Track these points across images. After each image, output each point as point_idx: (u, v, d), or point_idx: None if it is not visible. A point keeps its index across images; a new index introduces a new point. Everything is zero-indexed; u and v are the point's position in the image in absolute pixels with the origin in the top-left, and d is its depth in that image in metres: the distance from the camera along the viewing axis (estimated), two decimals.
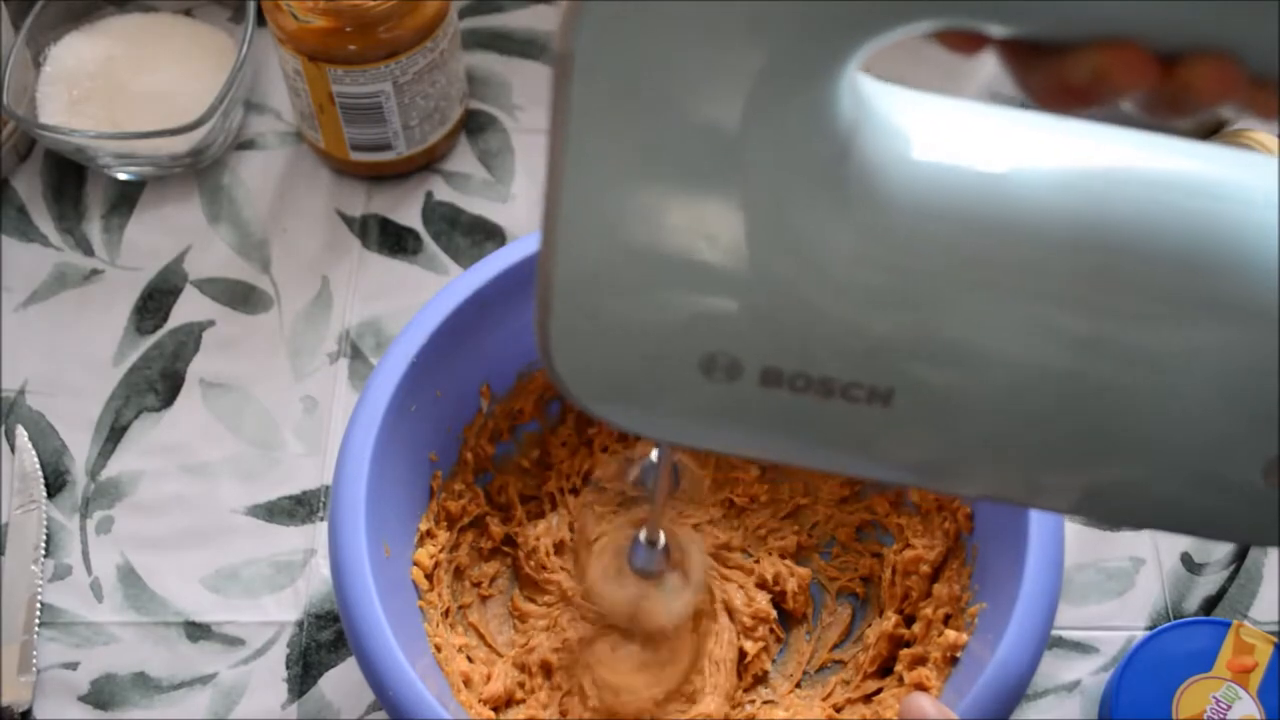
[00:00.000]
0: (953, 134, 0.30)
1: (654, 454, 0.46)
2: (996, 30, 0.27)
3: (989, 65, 0.73)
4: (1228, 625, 0.53)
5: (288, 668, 0.56)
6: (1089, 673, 0.56)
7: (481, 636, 0.55)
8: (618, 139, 0.28)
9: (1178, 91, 0.27)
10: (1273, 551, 0.58)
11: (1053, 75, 0.27)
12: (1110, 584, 0.58)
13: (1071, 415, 0.30)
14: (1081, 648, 0.56)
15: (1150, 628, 0.57)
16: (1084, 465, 0.32)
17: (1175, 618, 0.57)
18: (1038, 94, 0.28)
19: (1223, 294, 0.29)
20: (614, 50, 0.27)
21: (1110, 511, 0.35)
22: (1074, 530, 0.59)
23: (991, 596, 0.48)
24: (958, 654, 0.48)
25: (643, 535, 0.47)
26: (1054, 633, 0.56)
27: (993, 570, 0.49)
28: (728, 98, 0.27)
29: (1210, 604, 0.57)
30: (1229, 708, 0.52)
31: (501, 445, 0.57)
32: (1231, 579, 0.58)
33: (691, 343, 0.30)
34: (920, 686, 0.49)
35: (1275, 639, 0.53)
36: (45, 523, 0.59)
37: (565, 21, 0.26)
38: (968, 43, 0.28)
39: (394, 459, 0.50)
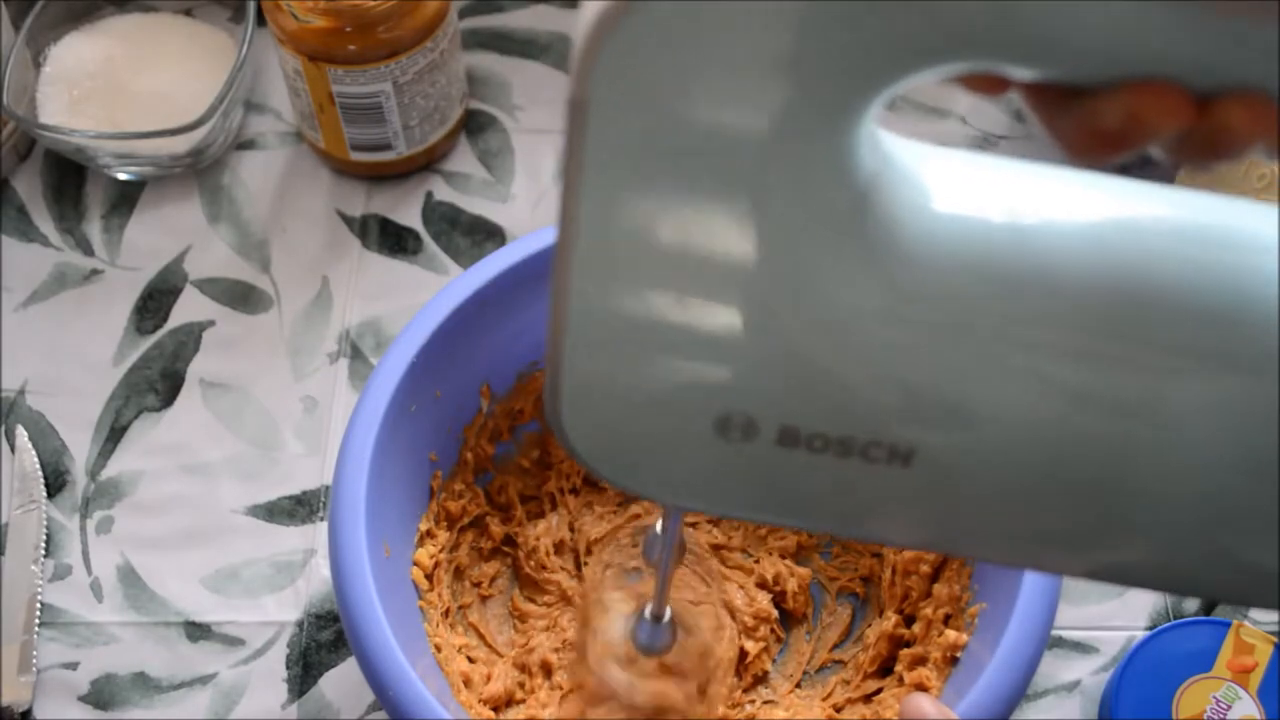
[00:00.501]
0: (973, 187, 0.29)
1: (658, 525, 0.46)
2: (1022, 74, 0.26)
3: None
4: (1228, 625, 0.53)
5: (288, 668, 0.56)
6: (1089, 673, 0.56)
7: (481, 636, 0.55)
8: (632, 193, 0.27)
9: (1212, 133, 0.26)
10: None
11: (1083, 119, 0.26)
12: (1110, 584, 0.58)
13: (1100, 475, 0.30)
14: (1081, 648, 0.56)
15: (1150, 628, 0.57)
16: (1113, 526, 0.31)
17: (1175, 618, 0.57)
18: (1067, 139, 0.27)
19: (1243, 347, 0.28)
20: (630, 98, 0.25)
21: (1134, 577, 0.34)
22: None
23: (991, 596, 0.48)
24: (958, 654, 0.48)
25: (647, 611, 0.45)
26: (1054, 633, 0.56)
27: (993, 570, 0.49)
28: (746, 150, 0.26)
29: (1210, 604, 0.57)
30: (1229, 708, 0.52)
31: (501, 445, 0.57)
32: None
33: (707, 403, 0.29)
34: (920, 686, 0.49)
35: (1275, 639, 0.53)
36: (45, 523, 0.59)
37: (580, 66, 0.25)
38: (992, 85, 0.27)
39: (394, 459, 0.50)
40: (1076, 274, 0.28)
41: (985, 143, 0.69)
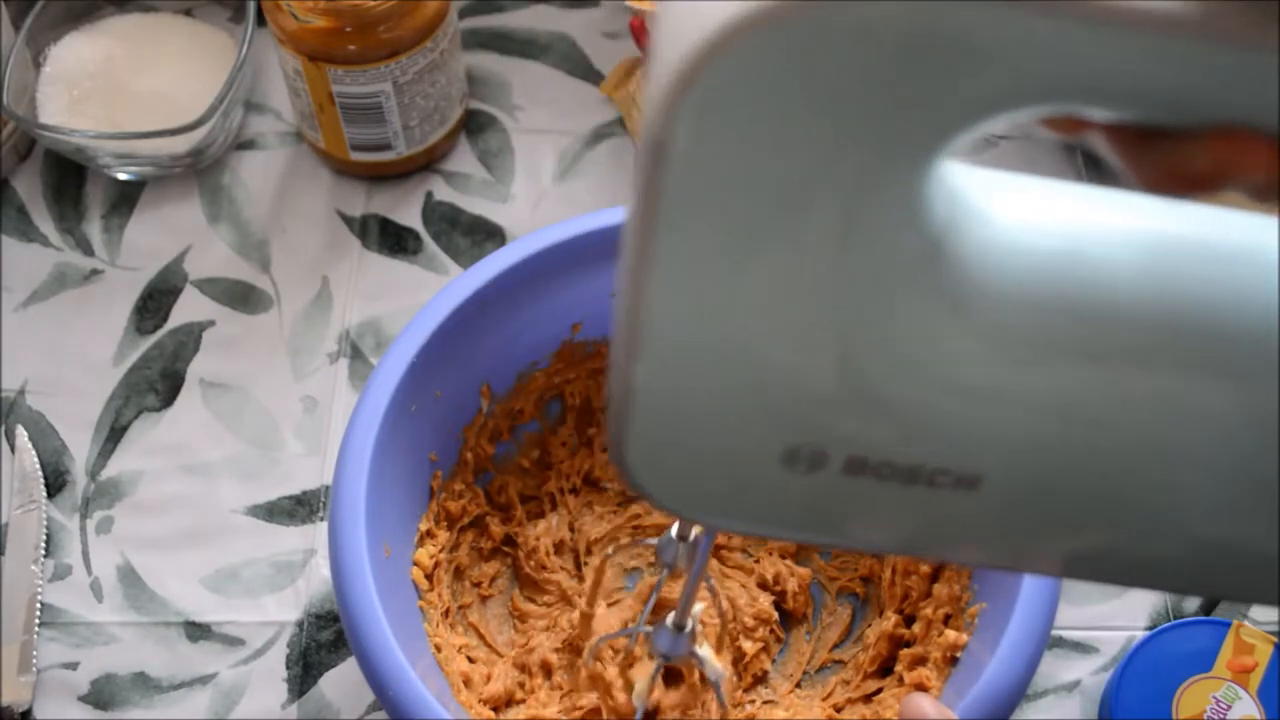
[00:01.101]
0: (1036, 216, 0.30)
1: (673, 529, 0.46)
2: (1101, 116, 0.26)
3: None
4: (1228, 625, 0.53)
5: (288, 668, 0.56)
6: (1089, 673, 0.56)
7: (481, 636, 0.55)
8: (712, 235, 0.27)
9: None
10: None
11: (1166, 161, 0.26)
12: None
13: (1161, 484, 0.30)
14: (1081, 648, 0.56)
15: (1150, 628, 0.57)
16: (1188, 536, 0.32)
17: (1175, 618, 0.57)
18: (1145, 177, 0.27)
19: None
20: (715, 144, 0.25)
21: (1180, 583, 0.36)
22: None
23: (991, 596, 0.48)
24: (958, 654, 0.48)
25: (669, 620, 0.46)
26: (1054, 633, 0.56)
27: (993, 570, 0.49)
28: (827, 194, 0.26)
29: (1210, 604, 0.57)
30: (1229, 708, 0.52)
31: (501, 445, 0.57)
32: None
33: (777, 437, 0.29)
34: (920, 686, 0.49)
35: (1275, 639, 0.53)
36: (45, 523, 0.59)
37: (665, 106, 0.24)
38: (1072, 126, 0.27)
39: (394, 459, 0.50)
40: (1140, 300, 0.29)
41: (986, 143, 0.69)
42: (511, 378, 0.56)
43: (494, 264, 0.52)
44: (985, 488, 0.30)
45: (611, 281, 0.56)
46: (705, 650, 0.50)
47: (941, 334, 0.28)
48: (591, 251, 0.53)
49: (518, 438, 0.58)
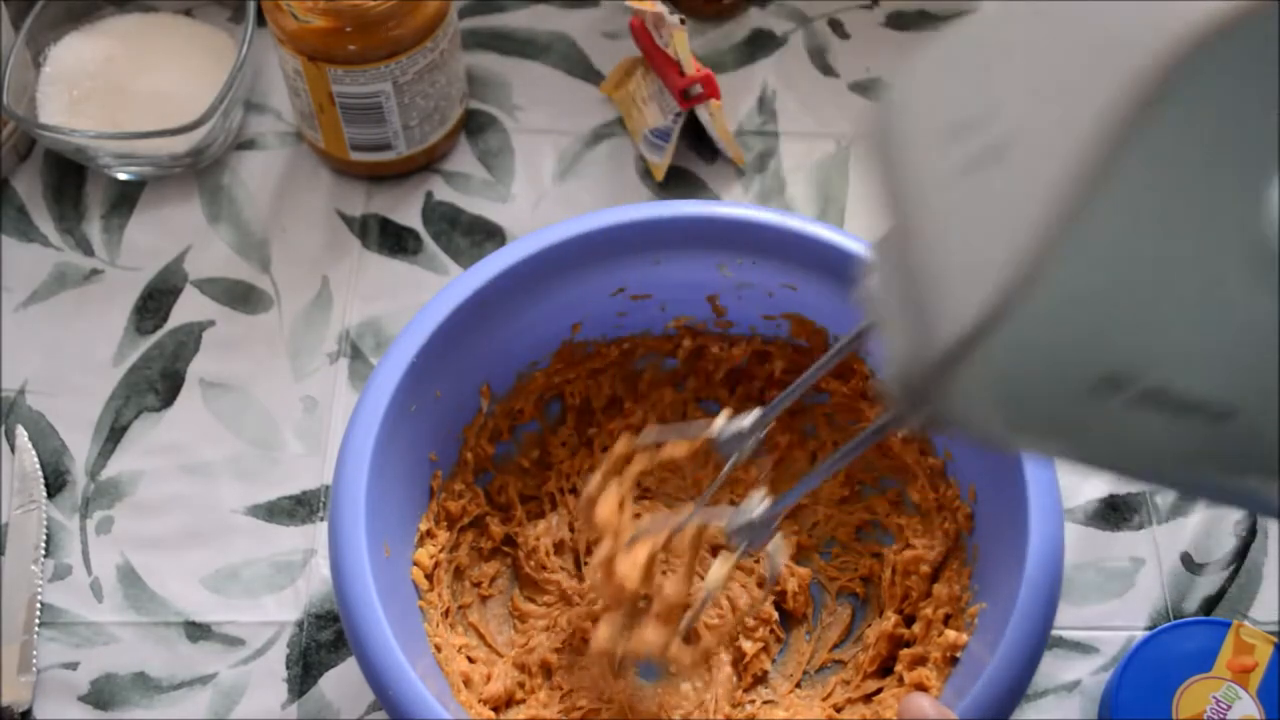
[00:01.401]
0: None
1: (724, 421, 0.45)
2: None
3: None
4: (1228, 625, 0.53)
5: (288, 668, 0.56)
6: (1089, 673, 0.56)
7: (481, 636, 0.55)
8: (1150, 200, 0.29)
9: None
10: (1273, 551, 0.58)
11: None
12: (1110, 584, 0.58)
13: None
14: (1081, 648, 0.56)
15: (1150, 628, 0.57)
16: None
17: (1175, 618, 0.57)
18: None
19: None
20: (1184, 120, 0.28)
21: None
22: (1075, 530, 0.59)
23: (991, 596, 0.48)
24: (958, 654, 0.48)
25: (755, 505, 0.45)
26: (1054, 633, 0.56)
27: (993, 570, 0.49)
28: (1236, 174, 0.28)
29: (1210, 604, 0.57)
30: (1229, 708, 0.52)
31: (501, 445, 0.57)
32: (1231, 579, 0.58)
33: (1095, 366, 0.31)
34: (920, 686, 0.49)
35: (1275, 639, 0.53)
36: (45, 523, 0.59)
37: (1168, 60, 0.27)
38: None
39: (394, 459, 0.50)
40: None
41: None
42: (511, 378, 0.56)
43: (493, 264, 0.52)
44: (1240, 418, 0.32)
45: (611, 281, 0.55)
46: (777, 543, 0.48)
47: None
48: (591, 252, 0.53)
49: (517, 438, 0.58)
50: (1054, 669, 0.56)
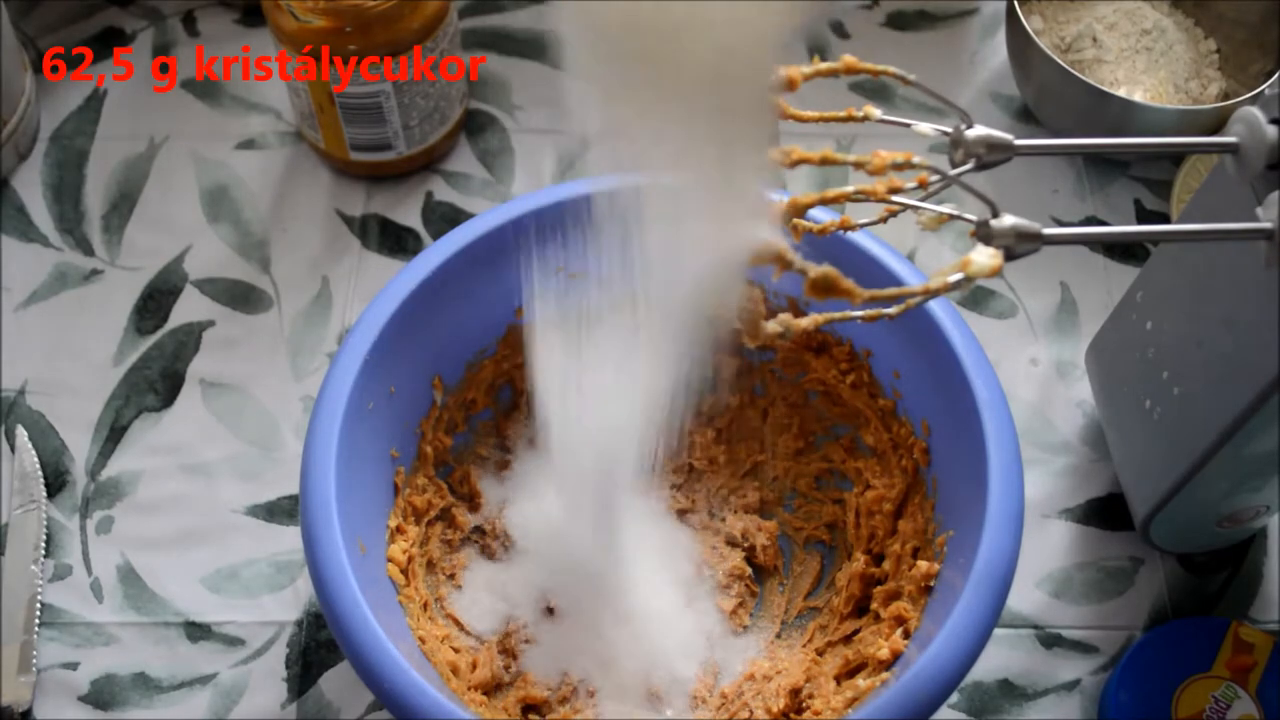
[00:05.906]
0: None
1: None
2: None
3: (989, 68, 0.73)
4: (1227, 624, 0.53)
5: (287, 667, 0.56)
6: (1089, 672, 0.56)
7: (460, 626, 0.55)
8: None
9: None
10: (1273, 551, 0.58)
11: None
12: (1110, 584, 0.58)
13: None
14: (1081, 647, 0.56)
15: (1150, 627, 0.57)
16: None
17: (1175, 617, 0.57)
18: None
19: None
20: None
21: None
22: (1075, 530, 0.59)
23: (957, 522, 0.49)
24: (931, 583, 0.49)
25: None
26: (1054, 632, 0.56)
27: (955, 497, 0.50)
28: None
29: (1210, 604, 0.57)
30: (1228, 707, 0.52)
31: (459, 436, 0.57)
32: (1231, 579, 0.58)
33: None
34: (899, 619, 0.49)
35: (1275, 638, 0.53)
36: (45, 523, 0.59)
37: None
38: None
39: (359, 458, 0.50)
40: None
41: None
42: (461, 368, 0.56)
43: (431, 258, 0.52)
44: None
45: (548, 261, 0.54)
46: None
47: None
48: (523, 234, 0.53)
49: (473, 427, 0.58)
50: (1054, 669, 0.56)
